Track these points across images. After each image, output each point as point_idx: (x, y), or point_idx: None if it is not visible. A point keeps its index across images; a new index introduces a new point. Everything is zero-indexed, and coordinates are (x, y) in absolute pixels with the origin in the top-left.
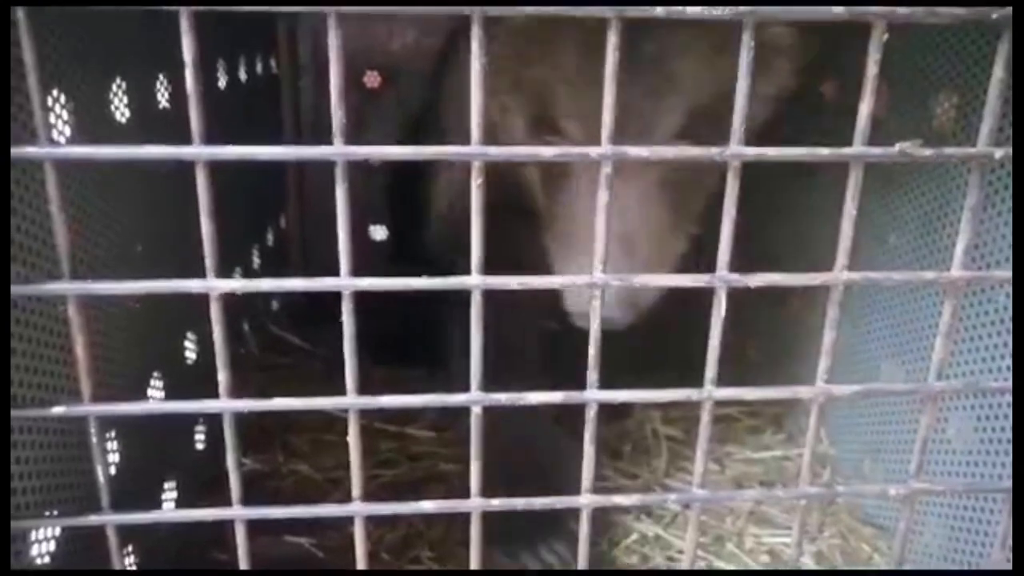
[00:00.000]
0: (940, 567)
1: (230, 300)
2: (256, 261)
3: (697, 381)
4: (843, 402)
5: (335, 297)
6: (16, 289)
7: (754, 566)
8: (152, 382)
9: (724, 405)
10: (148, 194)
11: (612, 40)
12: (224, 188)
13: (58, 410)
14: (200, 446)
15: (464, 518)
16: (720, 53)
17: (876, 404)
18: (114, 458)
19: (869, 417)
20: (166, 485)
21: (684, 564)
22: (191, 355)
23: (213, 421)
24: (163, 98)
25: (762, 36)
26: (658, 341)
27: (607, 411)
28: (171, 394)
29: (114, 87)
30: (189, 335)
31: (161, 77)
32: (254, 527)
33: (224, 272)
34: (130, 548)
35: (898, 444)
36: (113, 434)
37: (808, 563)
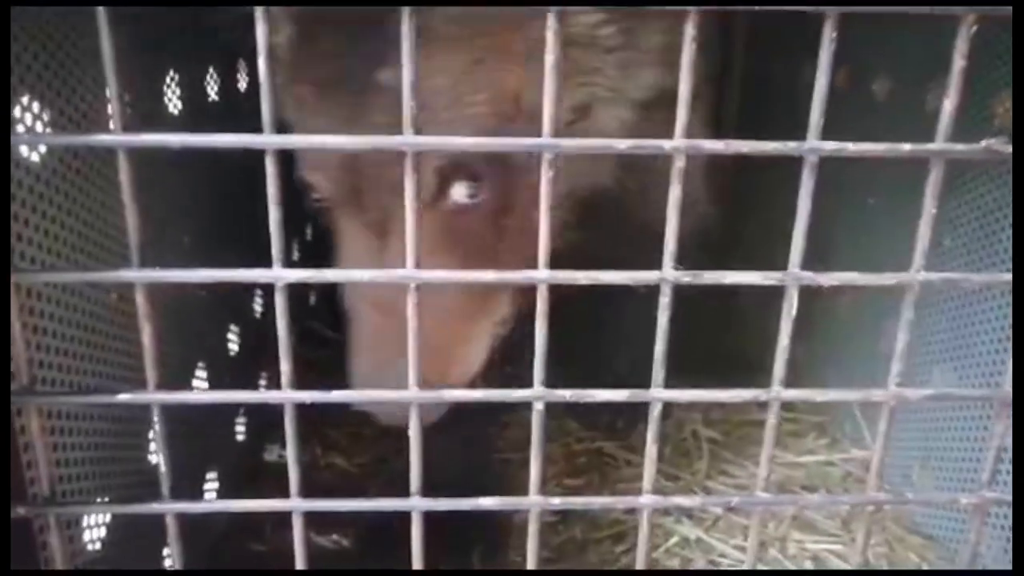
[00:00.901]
0: None
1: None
2: (296, 255)
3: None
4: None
5: None
6: (88, 276)
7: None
8: (198, 372)
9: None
10: (194, 187)
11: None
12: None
13: (124, 397)
14: (240, 438)
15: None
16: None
17: (925, 410)
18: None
19: (917, 424)
20: (208, 476)
21: (745, 566)
22: (233, 346)
23: (253, 413)
24: (212, 91)
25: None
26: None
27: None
28: (214, 385)
29: (167, 79)
30: (232, 327)
31: (211, 71)
32: (284, 521)
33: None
34: None
35: (948, 451)
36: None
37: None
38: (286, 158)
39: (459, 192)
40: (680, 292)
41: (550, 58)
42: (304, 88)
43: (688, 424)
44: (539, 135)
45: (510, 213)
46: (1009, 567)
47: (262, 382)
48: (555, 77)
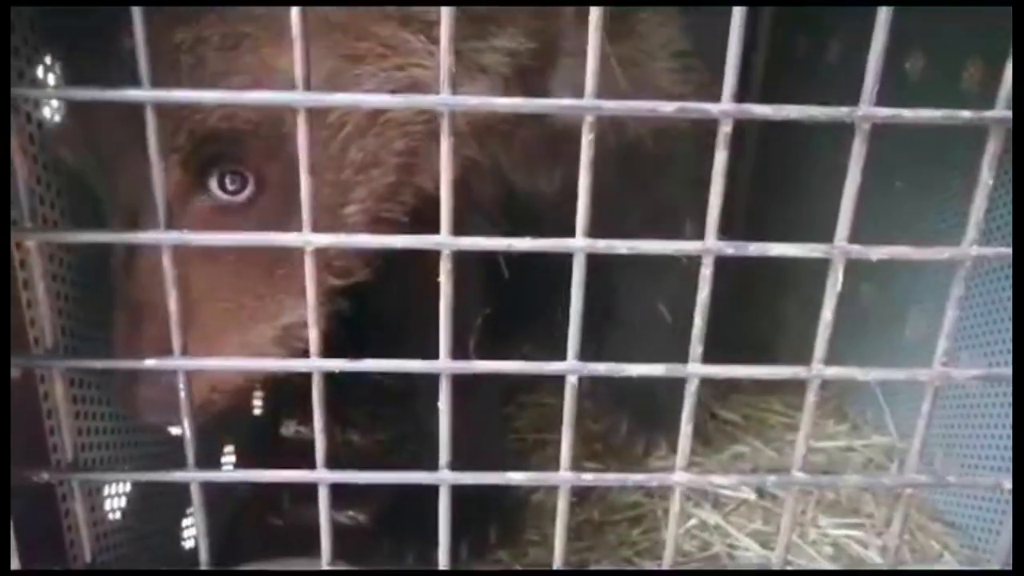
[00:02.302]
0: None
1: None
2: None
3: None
4: (912, 393)
5: (405, 265)
6: (109, 237)
7: (818, 559)
8: None
9: (790, 391)
10: None
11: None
12: None
13: (150, 363)
14: (257, 411)
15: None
16: None
17: (949, 395)
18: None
19: (942, 408)
20: (225, 449)
21: (776, 550)
22: None
23: (271, 385)
24: None
25: None
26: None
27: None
28: None
29: None
30: None
31: None
32: (301, 495)
33: None
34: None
35: (973, 438)
36: None
37: (875, 558)
38: None
39: (216, 185)
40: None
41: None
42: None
43: (707, 405)
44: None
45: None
46: None
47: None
48: (598, 36)
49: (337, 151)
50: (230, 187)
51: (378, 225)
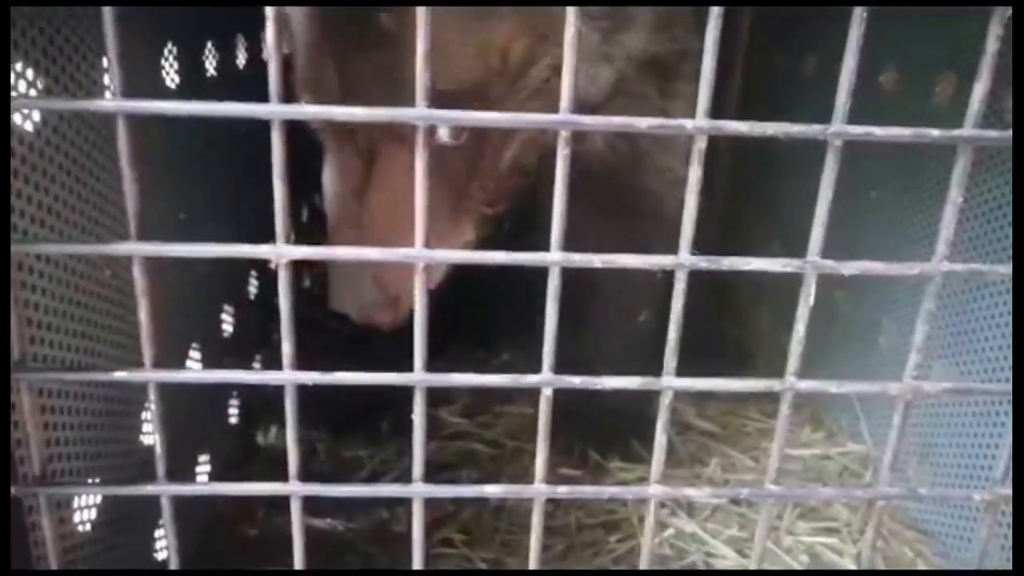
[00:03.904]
0: None
1: (271, 273)
2: (292, 238)
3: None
4: (887, 401)
5: None
6: (83, 248)
7: (794, 566)
8: (191, 353)
9: (766, 399)
10: (191, 164)
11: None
12: (266, 163)
13: (120, 375)
14: (233, 420)
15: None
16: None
17: (923, 405)
18: (151, 429)
19: (916, 419)
20: (200, 459)
21: (751, 561)
22: (228, 328)
23: (246, 396)
24: (211, 66)
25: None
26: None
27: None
28: (207, 367)
29: (165, 52)
30: (226, 307)
31: (209, 45)
32: (277, 505)
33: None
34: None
35: (947, 448)
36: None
37: (849, 565)
38: (292, 133)
39: (444, 132)
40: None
41: (570, 31)
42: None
43: (682, 415)
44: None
45: (483, 155)
46: (1005, 563)
47: (256, 365)
48: (573, 53)
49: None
50: (452, 133)
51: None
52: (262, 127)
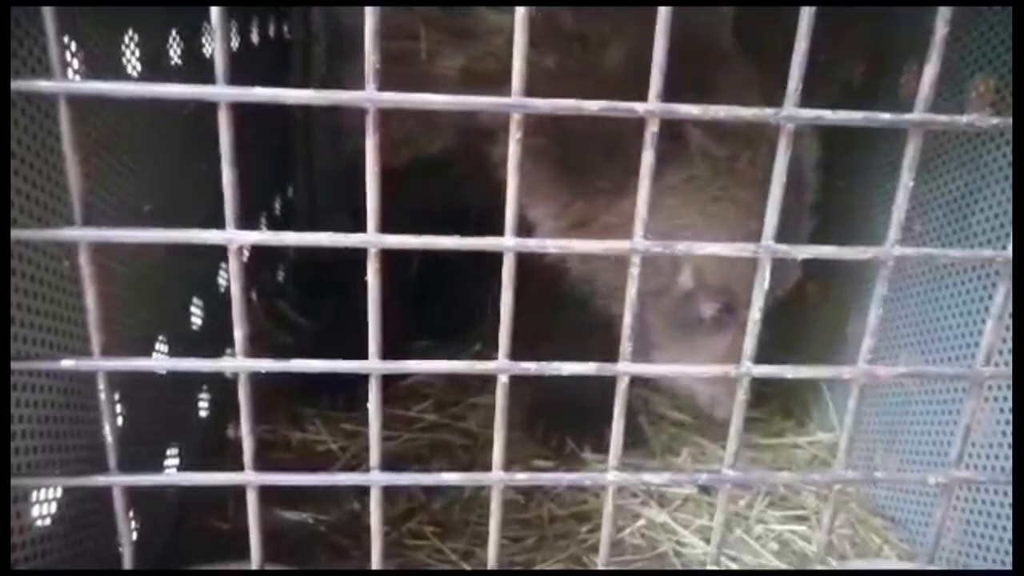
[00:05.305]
0: (952, 560)
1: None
2: (264, 228)
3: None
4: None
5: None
6: (25, 235)
7: (764, 554)
8: (158, 345)
9: None
10: (155, 155)
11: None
12: (257, 160)
13: (67, 363)
14: (203, 413)
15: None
16: None
17: (890, 393)
18: (117, 421)
19: (882, 407)
20: (168, 451)
21: (710, 546)
22: (197, 320)
23: (217, 387)
24: (175, 55)
25: None
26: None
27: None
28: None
29: (126, 39)
30: (195, 300)
31: (173, 33)
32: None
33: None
34: (132, 513)
35: (911, 435)
36: (117, 396)
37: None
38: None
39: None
40: None
41: (520, 11)
42: None
43: (655, 405)
44: None
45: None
46: (969, 548)
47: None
48: (524, 36)
49: None
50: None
51: None
52: (251, 122)
